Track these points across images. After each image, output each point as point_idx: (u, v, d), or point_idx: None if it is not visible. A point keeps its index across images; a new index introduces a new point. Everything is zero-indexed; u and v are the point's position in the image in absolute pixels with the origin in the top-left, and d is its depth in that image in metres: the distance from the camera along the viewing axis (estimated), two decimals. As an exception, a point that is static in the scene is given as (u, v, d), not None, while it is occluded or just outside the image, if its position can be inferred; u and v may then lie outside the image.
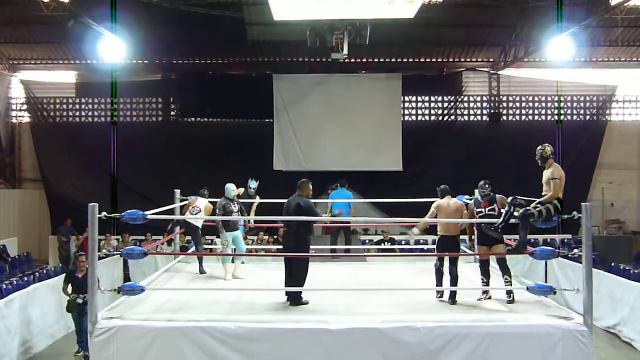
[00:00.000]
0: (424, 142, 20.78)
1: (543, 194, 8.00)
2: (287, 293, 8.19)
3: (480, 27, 19.23)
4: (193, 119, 21.60)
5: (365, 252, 14.32)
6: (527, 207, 7.76)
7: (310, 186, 8.51)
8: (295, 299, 8.10)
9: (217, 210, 9.96)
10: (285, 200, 8.58)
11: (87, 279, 9.29)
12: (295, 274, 8.15)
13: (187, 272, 10.79)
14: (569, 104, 21.20)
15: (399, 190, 19.10)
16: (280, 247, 14.02)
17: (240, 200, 11.60)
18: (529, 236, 8.42)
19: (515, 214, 7.92)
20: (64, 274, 10.97)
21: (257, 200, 11.99)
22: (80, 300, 10.24)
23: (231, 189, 10.04)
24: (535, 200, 7.98)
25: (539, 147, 8.08)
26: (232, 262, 9.99)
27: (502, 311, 7.92)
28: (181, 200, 11.35)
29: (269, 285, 9.31)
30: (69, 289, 10.52)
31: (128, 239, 16.38)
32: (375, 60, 20.99)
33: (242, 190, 11.83)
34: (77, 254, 11.37)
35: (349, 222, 12.65)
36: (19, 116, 21.73)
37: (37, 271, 14.43)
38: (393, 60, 20.98)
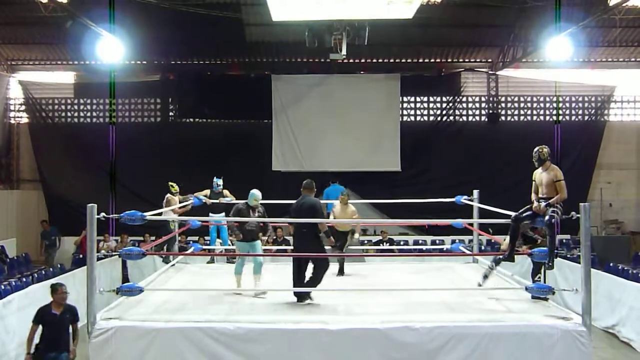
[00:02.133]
0: (422, 142, 20.78)
1: (544, 196, 8.02)
2: (295, 292, 8.23)
3: (479, 27, 19.25)
4: (192, 119, 21.57)
5: (364, 252, 14.31)
6: (552, 214, 7.81)
7: (314, 185, 8.73)
8: (302, 297, 8.18)
9: (231, 214, 9.26)
10: (287, 202, 8.69)
11: (66, 317, 7.73)
12: (315, 273, 8.25)
13: (186, 272, 10.81)
14: (567, 105, 21.21)
15: (397, 190, 19.11)
16: (279, 247, 14.11)
17: (211, 200, 11.75)
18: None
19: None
20: (37, 310, 7.83)
21: (231, 197, 11.97)
22: (53, 354, 7.59)
23: (256, 196, 9.20)
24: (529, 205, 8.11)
25: (537, 149, 8.13)
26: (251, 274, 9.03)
27: (501, 311, 7.93)
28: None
29: (267, 286, 9.31)
30: (38, 331, 7.85)
31: (127, 239, 16.38)
32: (374, 60, 20.99)
33: (208, 191, 11.94)
34: (57, 284, 8.30)
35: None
36: (17, 117, 21.70)
37: (35, 272, 14.39)
38: (392, 60, 20.98)
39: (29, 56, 20.94)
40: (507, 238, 8.40)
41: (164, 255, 11.75)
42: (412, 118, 21.45)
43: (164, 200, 11.98)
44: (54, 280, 12.29)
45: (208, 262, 12.03)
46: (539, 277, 8.33)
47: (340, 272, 10.30)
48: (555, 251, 8.41)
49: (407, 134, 20.47)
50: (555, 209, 7.83)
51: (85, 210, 7.56)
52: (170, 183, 12.41)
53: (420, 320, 7.32)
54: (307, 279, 8.30)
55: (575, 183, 18.66)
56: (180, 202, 11.93)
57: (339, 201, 10.79)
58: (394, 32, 17.09)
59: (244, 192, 11.85)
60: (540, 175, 8.14)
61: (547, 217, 7.84)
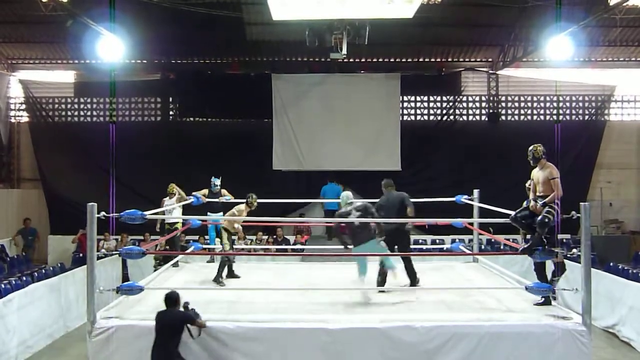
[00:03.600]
0: (422, 142, 20.74)
1: (541, 194, 8.04)
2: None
3: (479, 27, 19.22)
4: (192, 118, 21.55)
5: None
6: (545, 215, 7.82)
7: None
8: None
9: (338, 219, 8.84)
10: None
11: None
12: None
13: (186, 271, 10.82)
14: (567, 104, 21.17)
15: (397, 190, 19.08)
16: (279, 247, 14.11)
17: (207, 200, 11.79)
18: (527, 235, 8.49)
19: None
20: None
21: (229, 196, 12.02)
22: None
23: (349, 197, 9.01)
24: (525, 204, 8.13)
25: (531, 148, 8.23)
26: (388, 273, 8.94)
27: (501, 311, 7.93)
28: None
29: (267, 285, 9.31)
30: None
31: (127, 239, 16.37)
32: (374, 60, 20.98)
33: (206, 191, 11.96)
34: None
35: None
36: (18, 116, 21.66)
37: (35, 271, 14.41)
38: (392, 60, 20.96)
39: (29, 55, 20.93)
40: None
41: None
42: (412, 117, 21.42)
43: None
44: (54, 280, 12.41)
45: (208, 262, 12.03)
46: (558, 279, 8.37)
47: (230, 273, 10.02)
48: (555, 250, 8.42)
49: (407, 134, 20.44)
50: (550, 209, 7.84)
51: (85, 209, 7.59)
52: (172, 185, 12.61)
53: (420, 319, 7.33)
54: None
55: (575, 183, 18.73)
56: (177, 202, 12.06)
57: (245, 204, 10.17)
58: (395, 31, 17.07)
59: (244, 191, 11.84)
60: (537, 174, 8.19)
61: (539, 217, 7.86)
